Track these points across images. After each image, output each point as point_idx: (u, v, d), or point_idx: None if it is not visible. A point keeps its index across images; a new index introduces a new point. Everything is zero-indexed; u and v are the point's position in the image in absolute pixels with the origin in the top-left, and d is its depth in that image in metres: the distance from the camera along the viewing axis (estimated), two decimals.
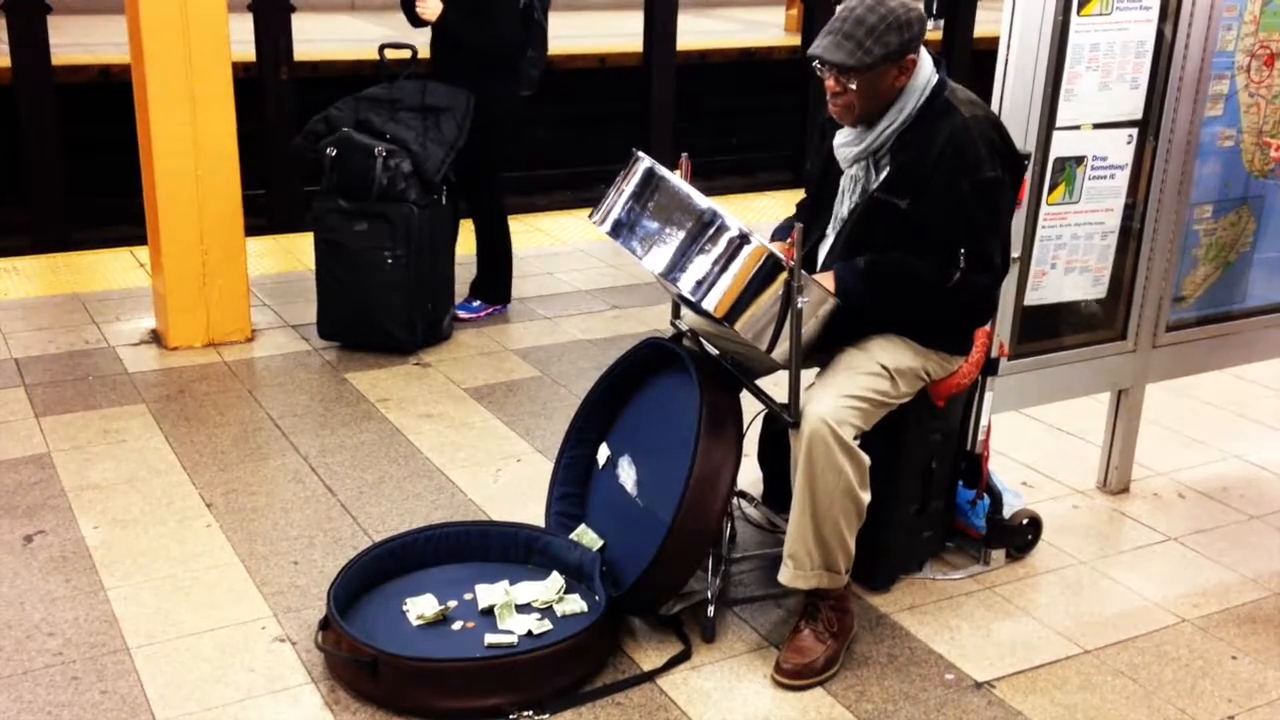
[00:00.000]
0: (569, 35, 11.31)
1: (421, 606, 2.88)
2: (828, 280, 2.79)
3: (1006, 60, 3.03)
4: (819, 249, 2.99)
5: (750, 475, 3.45)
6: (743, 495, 3.48)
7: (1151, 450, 3.90)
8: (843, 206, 2.92)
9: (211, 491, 3.60)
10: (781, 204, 6.95)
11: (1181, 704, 2.76)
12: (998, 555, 3.30)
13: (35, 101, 7.11)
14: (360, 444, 3.94)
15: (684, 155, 2.95)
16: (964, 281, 2.77)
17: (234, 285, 4.74)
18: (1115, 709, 2.74)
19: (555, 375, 4.57)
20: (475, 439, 4.01)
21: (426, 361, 4.67)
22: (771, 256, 2.63)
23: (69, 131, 7.43)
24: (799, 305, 2.62)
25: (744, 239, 2.63)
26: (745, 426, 2.93)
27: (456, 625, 2.86)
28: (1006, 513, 3.29)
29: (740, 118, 11.59)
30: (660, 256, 2.68)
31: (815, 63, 2.74)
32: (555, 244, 6.34)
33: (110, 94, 8.34)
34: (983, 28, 9.96)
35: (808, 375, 2.85)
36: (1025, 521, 3.34)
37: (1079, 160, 3.20)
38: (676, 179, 2.74)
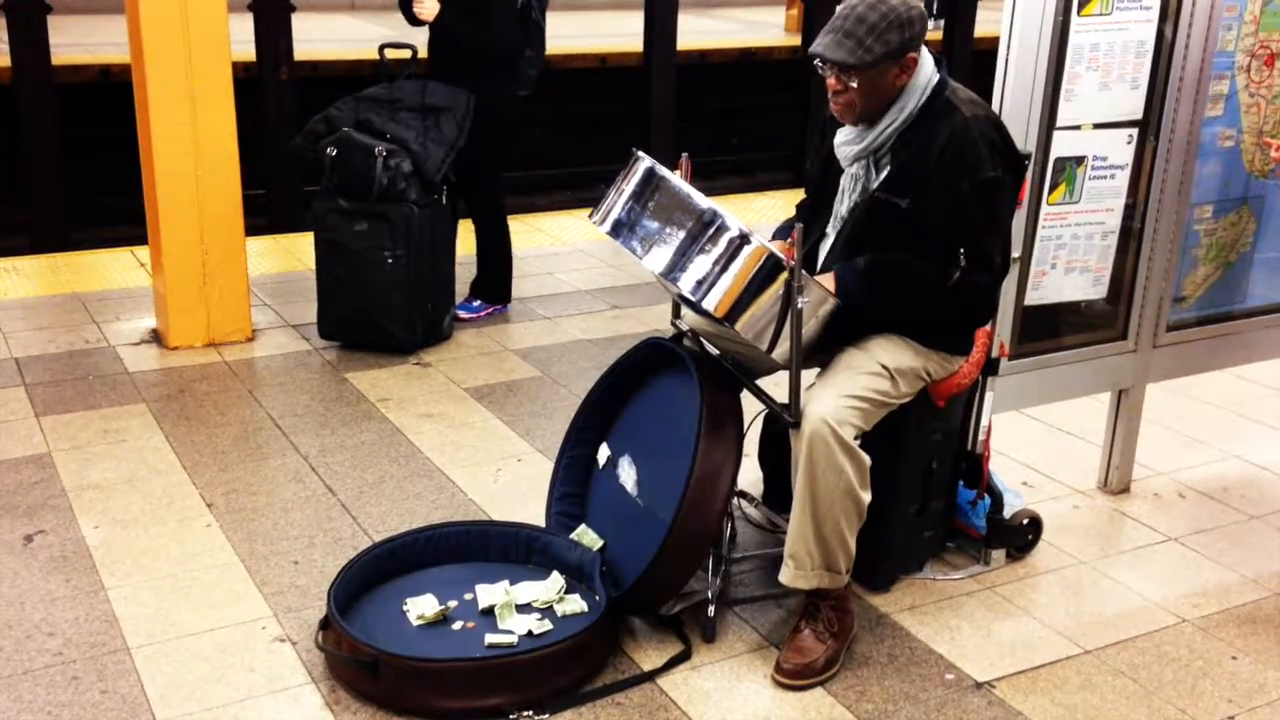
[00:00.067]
0: (569, 35, 11.31)
1: (422, 606, 2.88)
2: (828, 280, 2.79)
3: (1006, 60, 3.03)
4: (819, 248, 2.99)
5: (750, 475, 3.45)
6: (743, 495, 3.48)
7: (1152, 450, 3.90)
8: (843, 205, 2.92)
9: (212, 491, 3.60)
10: (781, 204, 6.95)
11: (1182, 704, 2.76)
12: (998, 555, 3.30)
13: (35, 101, 7.12)
14: (360, 444, 3.94)
15: (684, 155, 2.95)
16: (964, 281, 2.76)
17: (234, 285, 4.75)
18: (1115, 709, 2.74)
19: (555, 375, 4.57)
20: (475, 439, 4.01)
21: (427, 361, 4.67)
22: (772, 256, 2.63)
23: (69, 131, 7.43)
24: (799, 305, 2.62)
25: (744, 239, 2.63)
26: (745, 426, 2.93)
27: (457, 625, 2.86)
28: (1007, 513, 3.29)
29: (740, 118, 11.59)
30: (660, 256, 2.68)
31: (816, 61, 2.74)
32: (555, 244, 6.34)
33: (110, 94, 8.34)
34: (983, 28, 9.97)
35: (808, 375, 2.85)
36: (1025, 521, 3.34)
37: (1079, 160, 3.20)
38: (677, 179, 2.74)
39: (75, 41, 9.52)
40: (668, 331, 3.18)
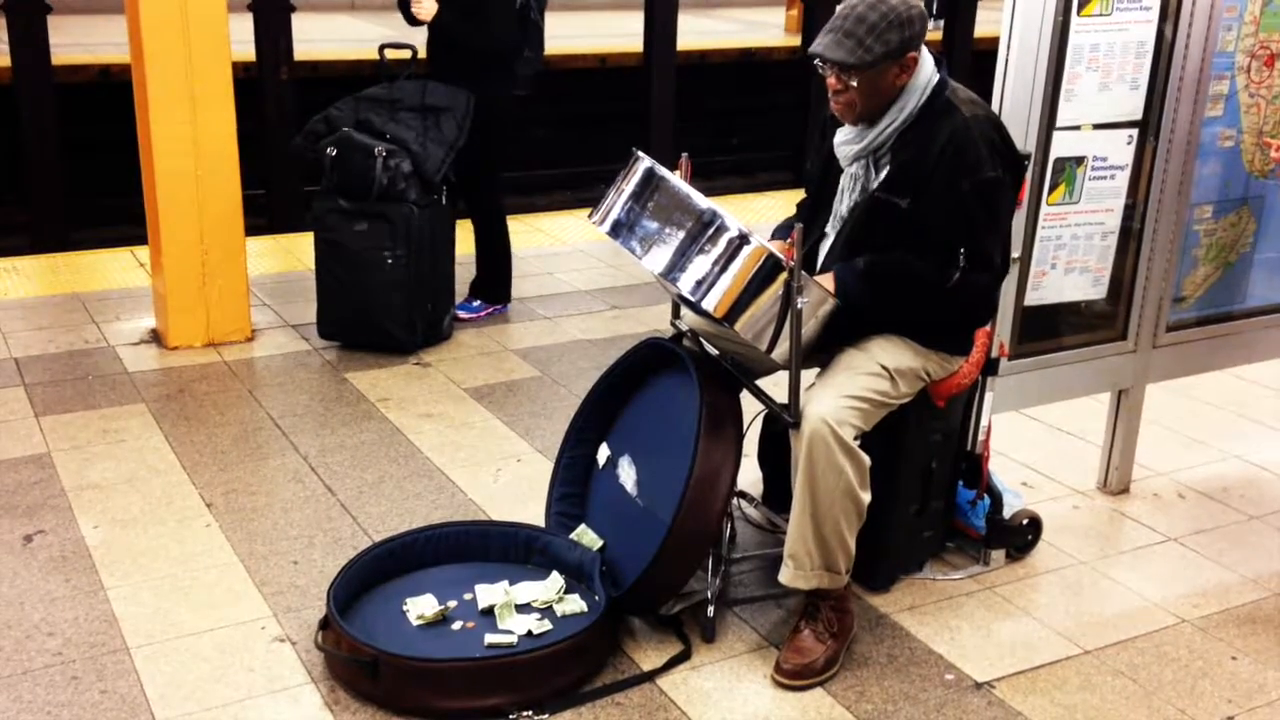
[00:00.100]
0: (569, 35, 11.31)
1: (421, 606, 2.88)
2: (827, 281, 2.79)
3: (1006, 60, 3.03)
4: (819, 248, 2.99)
5: (750, 475, 3.45)
6: (743, 495, 3.48)
7: (1152, 450, 3.90)
8: (842, 205, 2.92)
9: (211, 491, 3.60)
10: (781, 204, 6.95)
11: (1181, 704, 2.76)
12: (998, 555, 3.30)
13: (35, 101, 7.12)
14: (360, 444, 3.94)
15: (684, 155, 2.95)
16: (964, 281, 2.76)
17: (234, 285, 4.75)
18: (1115, 709, 2.74)
19: (555, 375, 4.57)
20: (475, 439, 4.01)
21: (426, 361, 4.67)
22: (771, 257, 2.63)
23: (69, 131, 7.43)
24: (799, 305, 2.62)
25: (744, 239, 2.63)
26: (745, 427, 2.93)
27: (456, 625, 2.86)
28: (1006, 513, 3.29)
29: (740, 118, 11.59)
30: (660, 257, 2.68)
31: (816, 60, 2.74)
32: (555, 244, 6.34)
33: (110, 94, 8.34)
34: (983, 28, 9.97)
35: (808, 375, 2.85)
36: (1025, 522, 3.34)
37: (1079, 160, 3.20)
38: (676, 179, 2.74)
39: (75, 41, 9.52)
40: (667, 332, 3.18)
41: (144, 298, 5.16)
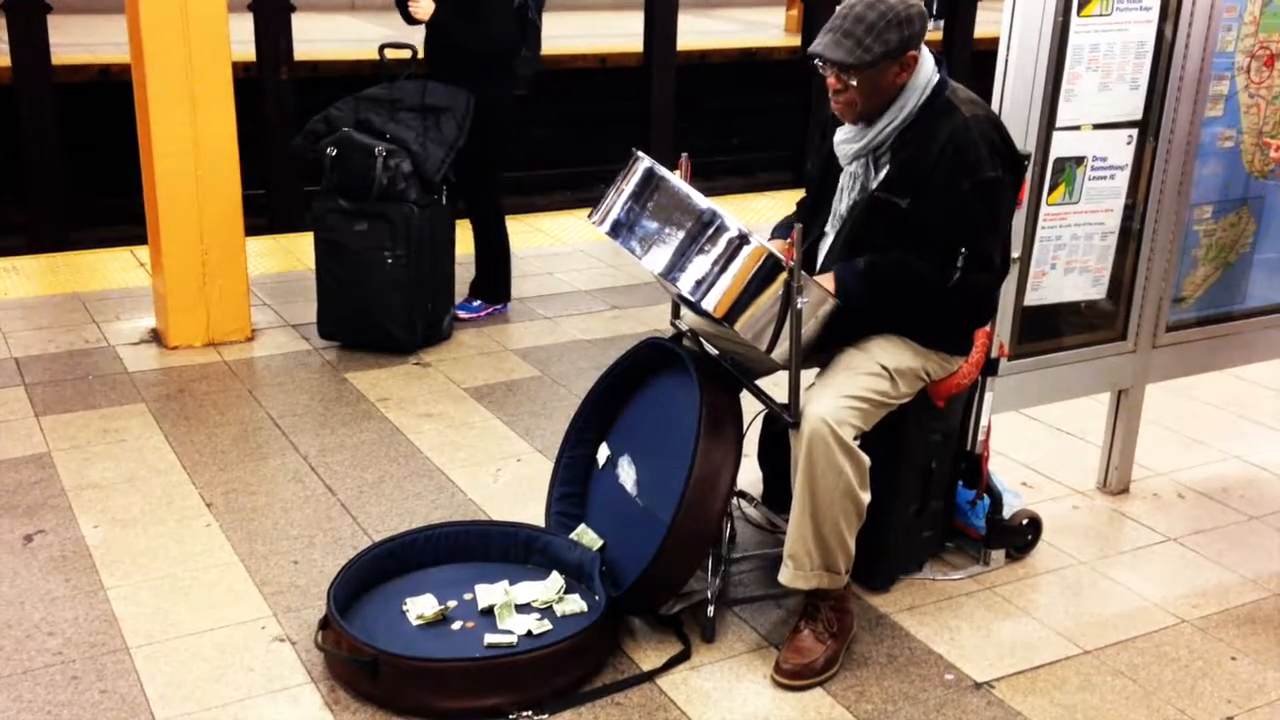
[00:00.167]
0: (569, 35, 11.31)
1: (421, 606, 2.88)
2: (827, 281, 2.79)
3: (1006, 60, 3.03)
4: (819, 247, 2.99)
5: (750, 475, 3.45)
6: (743, 495, 3.48)
7: (1151, 451, 3.90)
8: (842, 204, 2.92)
9: (211, 491, 3.60)
10: (781, 204, 6.95)
11: (1181, 704, 2.76)
12: (997, 555, 3.30)
13: (35, 101, 7.12)
14: (360, 443, 3.94)
15: (684, 155, 2.95)
16: (964, 281, 2.76)
17: (234, 285, 4.75)
18: (1115, 709, 2.74)
19: (555, 375, 4.57)
20: (475, 439, 4.01)
21: (426, 361, 4.67)
22: (771, 257, 2.63)
23: (69, 131, 7.43)
24: (798, 305, 2.62)
25: (743, 239, 2.63)
26: (745, 427, 2.93)
27: (456, 625, 2.86)
28: (1006, 513, 3.29)
29: (740, 118, 11.59)
30: (660, 257, 2.68)
31: (816, 60, 2.75)
32: (555, 244, 6.34)
33: (110, 94, 8.34)
34: (983, 28, 9.97)
35: (807, 375, 2.85)
36: (1025, 522, 3.34)
37: (1079, 161, 3.20)
38: (676, 179, 2.74)
39: (75, 41, 9.52)
40: (667, 331, 3.18)
41: (144, 297, 5.17)
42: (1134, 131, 3.25)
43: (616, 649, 2.87)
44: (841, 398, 2.74)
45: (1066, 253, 3.29)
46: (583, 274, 5.82)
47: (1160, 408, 4.11)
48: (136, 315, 5.03)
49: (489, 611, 2.88)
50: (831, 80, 2.76)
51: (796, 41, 10.96)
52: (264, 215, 7.39)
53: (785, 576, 2.82)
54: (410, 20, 4.73)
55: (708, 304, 2.65)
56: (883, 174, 2.82)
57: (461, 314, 5.09)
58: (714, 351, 3.10)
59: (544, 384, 4.50)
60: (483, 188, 5.02)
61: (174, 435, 3.95)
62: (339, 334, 4.76)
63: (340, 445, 3.92)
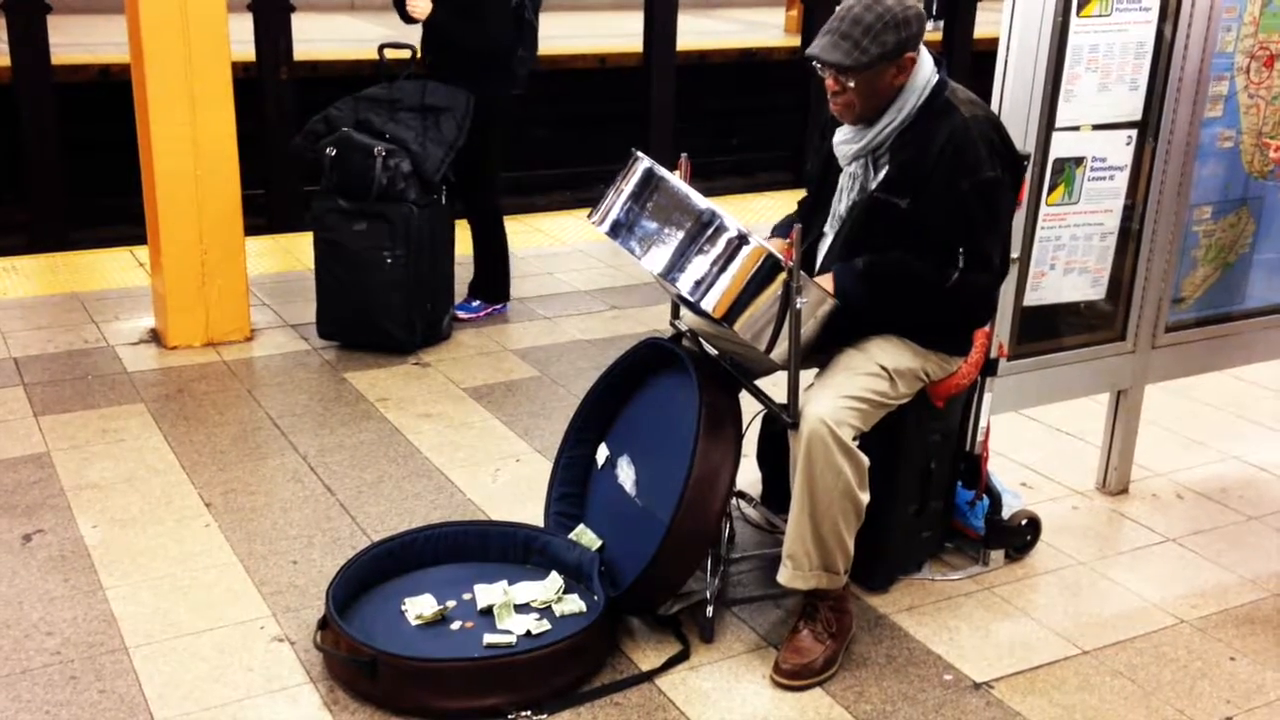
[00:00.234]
0: (569, 35, 11.31)
1: (420, 606, 2.88)
2: (826, 281, 2.79)
3: (1006, 61, 3.03)
4: (818, 247, 2.99)
5: (749, 475, 3.45)
6: (742, 495, 3.48)
7: (1150, 451, 3.90)
8: (841, 204, 2.92)
9: (210, 491, 3.60)
10: (781, 204, 6.94)
11: (1180, 705, 2.76)
12: (996, 556, 3.30)
13: (35, 101, 7.12)
14: (359, 444, 3.94)
15: (683, 155, 2.95)
16: (963, 282, 2.76)
17: (233, 285, 4.75)
18: (1113, 710, 2.74)
19: (554, 375, 4.57)
20: (474, 439, 4.01)
21: (426, 361, 4.67)
22: (770, 257, 2.63)
23: (69, 131, 7.43)
24: (797, 306, 2.62)
25: (743, 239, 2.63)
26: (744, 427, 2.93)
27: (455, 625, 2.86)
28: (1005, 513, 3.29)
29: (740, 118, 11.59)
30: (659, 257, 2.68)
31: (814, 62, 2.75)
32: (555, 244, 6.34)
33: (110, 94, 8.34)
34: (983, 28, 9.96)
35: (807, 376, 2.85)
36: (1024, 522, 3.34)
37: (1078, 161, 3.20)
38: (675, 179, 2.74)
39: (75, 41, 9.52)
40: (667, 332, 3.18)
41: (143, 297, 5.16)
42: (1133, 132, 3.25)
43: (615, 649, 2.87)
44: (840, 398, 2.74)
45: (1066, 253, 3.29)
46: (582, 274, 5.83)
47: (1159, 408, 4.11)
48: (136, 315, 5.03)
49: (488, 611, 2.88)
50: (829, 82, 2.77)
51: (796, 42, 10.96)
52: (263, 215, 7.39)
53: (784, 576, 2.82)
54: (407, 19, 4.73)
55: (707, 304, 2.65)
56: (882, 174, 2.82)
57: (461, 314, 5.09)
58: (713, 352, 3.10)
59: (543, 384, 4.50)
60: (481, 188, 5.02)
61: (173, 435, 3.95)
62: (338, 334, 4.76)
63: (339, 445, 3.92)
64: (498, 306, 5.22)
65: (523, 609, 2.91)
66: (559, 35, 10.82)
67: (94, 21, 10.41)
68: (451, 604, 2.92)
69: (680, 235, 2.67)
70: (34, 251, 6.32)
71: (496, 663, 2.69)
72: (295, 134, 4.93)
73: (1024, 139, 3.06)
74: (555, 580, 2.99)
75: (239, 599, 3.05)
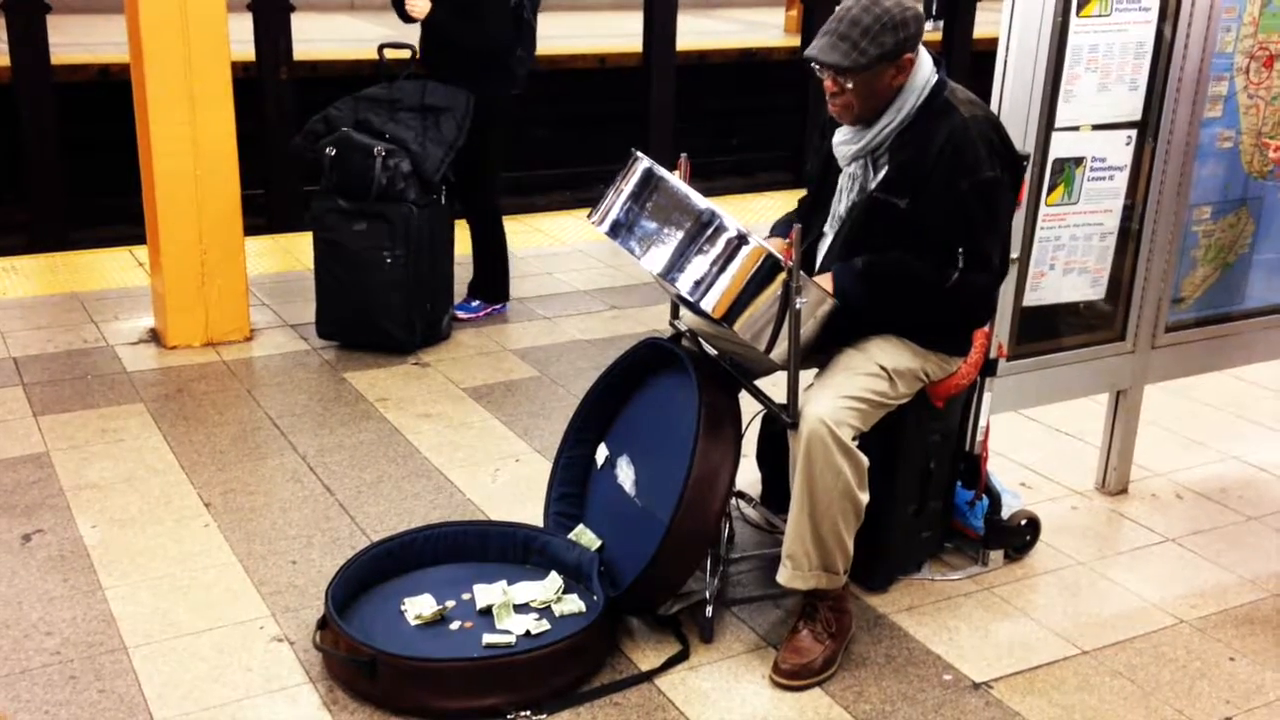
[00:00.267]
0: (569, 35, 11.31)
1: (420, 606, 2.88)
2: (826, 281, 2.79)
3: (1006, 61, 3.03)
4: (817, 247, 2.99)
5: (749, 476, 3.45)
6: (741, 495, 3.48)
7: (1150, 451, 3.90)
8: (840, 205, 2.93)
9: (210, 491, 3.60)
10: (781, 205, 6.94)
11: (1179, 705, 2.76)
12: (996, 556, 3.30)
13: (35, 101, 7.12)
14: (359, 444, 3.94)
15: (683, 155, 2.95)
16: (962, 282, 2.76)
17: (233, 285, 4.75)
18: (1113, 710, 2.74)
19: (554, 375, 4.57)
20: (474, 439, 4.01)
21: (425, 361, 4.67)
22: (770, 257, 2.63)
23: (69, 131, 7.43)
24: (797, 306, 2.62)
25: (742, 239, 2.63)
26: (744, 427, 2.93)
27: (454, 625, 2.86)
28: (1005, 513, 3.29)
29: (740, 118, 11.60)
30: (658, 257, 2.68)
31: (812, 64, 2.75)
32: (554, 244, 6.34)
33: (110, 94, 8.34)
34: (983, 28, 9.97)
35: (806, 376, 2.85)
36: (1024, 522, 3.34)
37: (1078, 161, 3.20)
38: (675, 179, 2.74)
39: (75, 41, 9.52)
40: (666, 332, 3.18)
41: (143, 297, 5.16)
42: (1133, 132, 3.25)
43: (615, 649, 2.87)
44: (840, 398, 2.74)
45: (1065, 253, 3.29)
46: (582, 274, 5.83)
47: (1159, 408, 4.11)
48: (135, 315, 5.03)
49: (487, 611, 2.88)
50: (828, 83, 2.76)
51: (796, 42, 10.97)
52: (263, 215, 7.39)
53: (783, 576, 2.82)
54: (406, 19, 4.73)
55: (706, 304, 2.65)
56: (881, 175, 2.82)
57: (460, 314, 5.09)
58: (713, 352, 3.10)
59: (543, 384, 4.50)
60: (481, 188, 5.02)
61: (172, 435, 3.95)
62: (338, 334, 4.76)
63: (339, 445, 3.92)
64: (497, 306, 5.22)
65: (522, 609, 2.91)
66: (558, 35, 10.82)
67: (94, 21, 10.41)
68: (451, 604, 2.92)
69: (680, 235, 2.67)
70: (34, 251, 6.32)
71: (496, 663, 2.69)
72: (295, 134, 4.93)
73: (1023, 139, 3.06)
74: (555, 580, 2.99)
75: (238, 599, 3.05)
